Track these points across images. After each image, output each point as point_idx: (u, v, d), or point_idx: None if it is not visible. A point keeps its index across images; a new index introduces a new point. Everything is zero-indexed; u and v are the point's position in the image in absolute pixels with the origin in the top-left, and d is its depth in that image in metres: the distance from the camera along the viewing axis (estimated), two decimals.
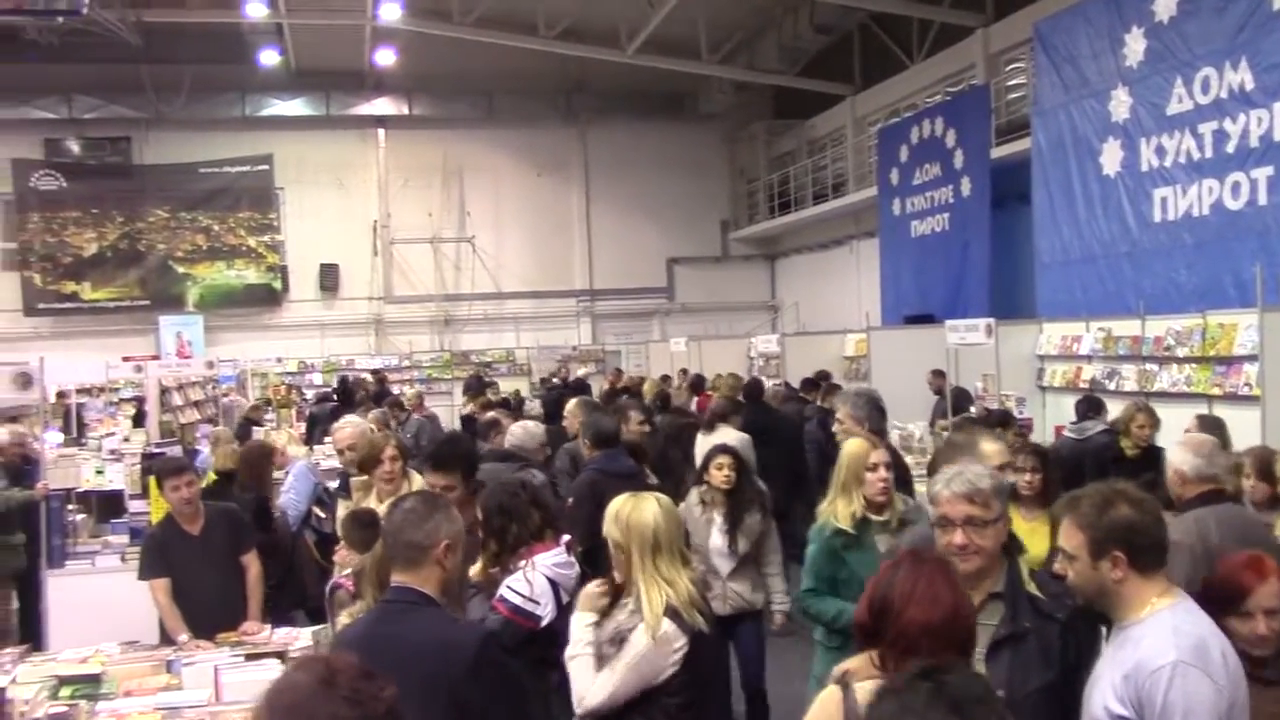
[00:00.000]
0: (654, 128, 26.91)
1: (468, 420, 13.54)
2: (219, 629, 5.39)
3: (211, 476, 8.10)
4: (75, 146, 25.05)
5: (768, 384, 13.78)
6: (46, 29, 21.00)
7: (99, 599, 7.03)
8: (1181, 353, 11.13)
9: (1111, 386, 11.83)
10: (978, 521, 3.27)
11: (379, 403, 13.71)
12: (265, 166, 25.58)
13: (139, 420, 15.14)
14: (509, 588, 4.12)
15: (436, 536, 3.32)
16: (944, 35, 19.23)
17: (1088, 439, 8.51)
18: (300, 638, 5.14)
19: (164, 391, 15.77)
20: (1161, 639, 2.84)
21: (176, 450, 10.94)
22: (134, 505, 8.32)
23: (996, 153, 16.67)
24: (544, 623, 4.09)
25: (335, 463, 8.55)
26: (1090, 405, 9.17)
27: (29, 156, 24.59)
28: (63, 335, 23.96)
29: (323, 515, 7.57)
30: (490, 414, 9.67)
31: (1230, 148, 11.54)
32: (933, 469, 4.71)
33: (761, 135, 27.09)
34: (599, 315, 27.80)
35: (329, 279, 26.01)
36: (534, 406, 15.36)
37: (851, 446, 5.14)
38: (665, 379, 16.32)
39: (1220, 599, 3.33)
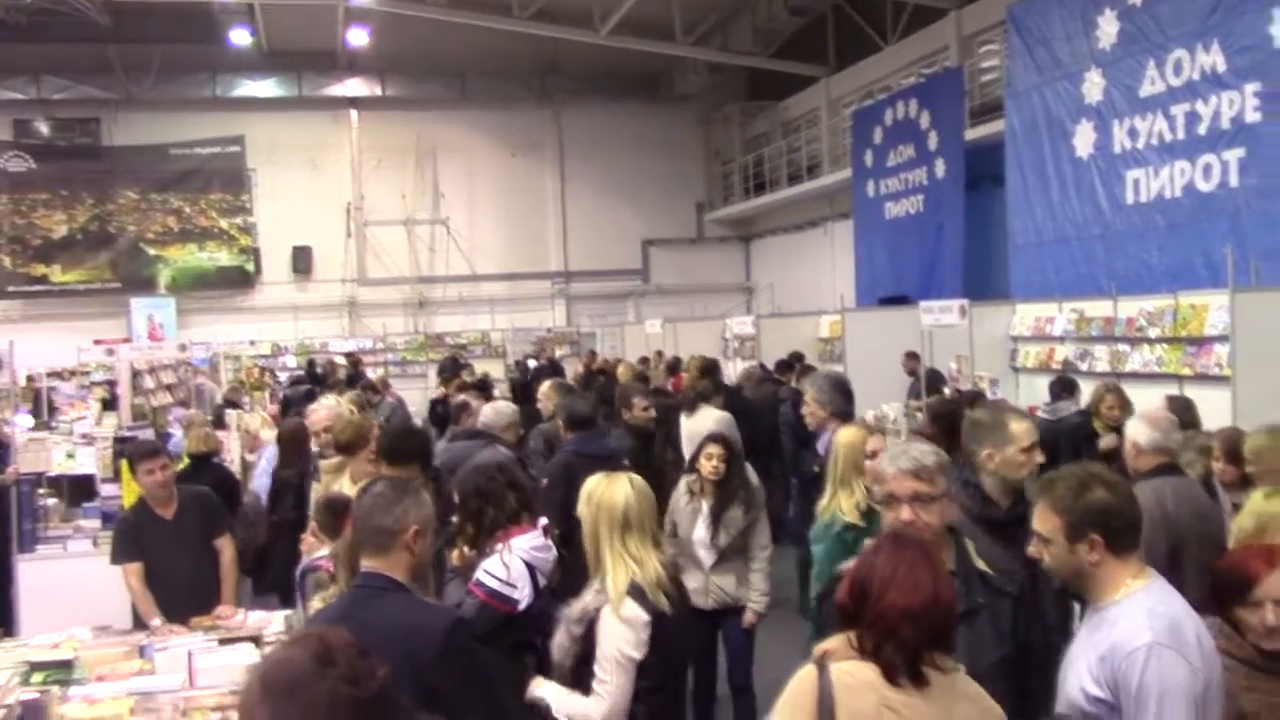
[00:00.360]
0: (628, 109, 26.84)
1: (436, 403, 13.51)
2: (192, 613, 5.34)
3: (185, 460, 8.05)
4: (44, 127, 24.75)
5: (741, 365, 13.79)
6: (14, 8, 20.79)
7: (71, 584, 6.97)
8: (1153, 333, 11.21)
9: (1084, 367, 11.91)
10: (924, 498, 3.32)
11: (353, 385, 13.65)
12: (237, 148, 25.34)
13: (109, 405, 15.01)
14: (485, 571, 4.11)
15: (405, 521, 3.31)
16: (918, 17, 19.24)
17: (1061, 420, 8.55)
18: (274, 622, 5.11)
19: (136, 374, 15.65)
20: (1137, 620, 2.85)
21: (149, 434, 10.88)
22: (106, 489, 8.25)
23: (970, 134, 16.73)
24: (521, 606, 4.09)
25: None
26: (1064, 386, 9.23)
27: None
28: (32, 318, 23.73)
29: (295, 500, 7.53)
30: (461, 397, 9.62)
31: (1202, 130, 11.61)
32: (959, 450, 4.69)
33: (736, 117, 27.05)
34: (574, 297, 27.75)
35: (302, 261, 25.84)
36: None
37: (846, 436, 5.07)
38: (644, 361, 16.34)
39: (1227, 589, 3.23)
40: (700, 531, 5.90)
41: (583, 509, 3.83)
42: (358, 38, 23.42)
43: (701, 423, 8.76)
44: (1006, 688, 3.14)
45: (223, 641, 4.65)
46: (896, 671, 2.55)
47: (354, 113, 26.07)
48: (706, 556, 5.88)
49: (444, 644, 3.13)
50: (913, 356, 12.73)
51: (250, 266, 25.75)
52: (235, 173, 25.47)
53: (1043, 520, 3.03)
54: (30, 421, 12.94)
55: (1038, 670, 3.34)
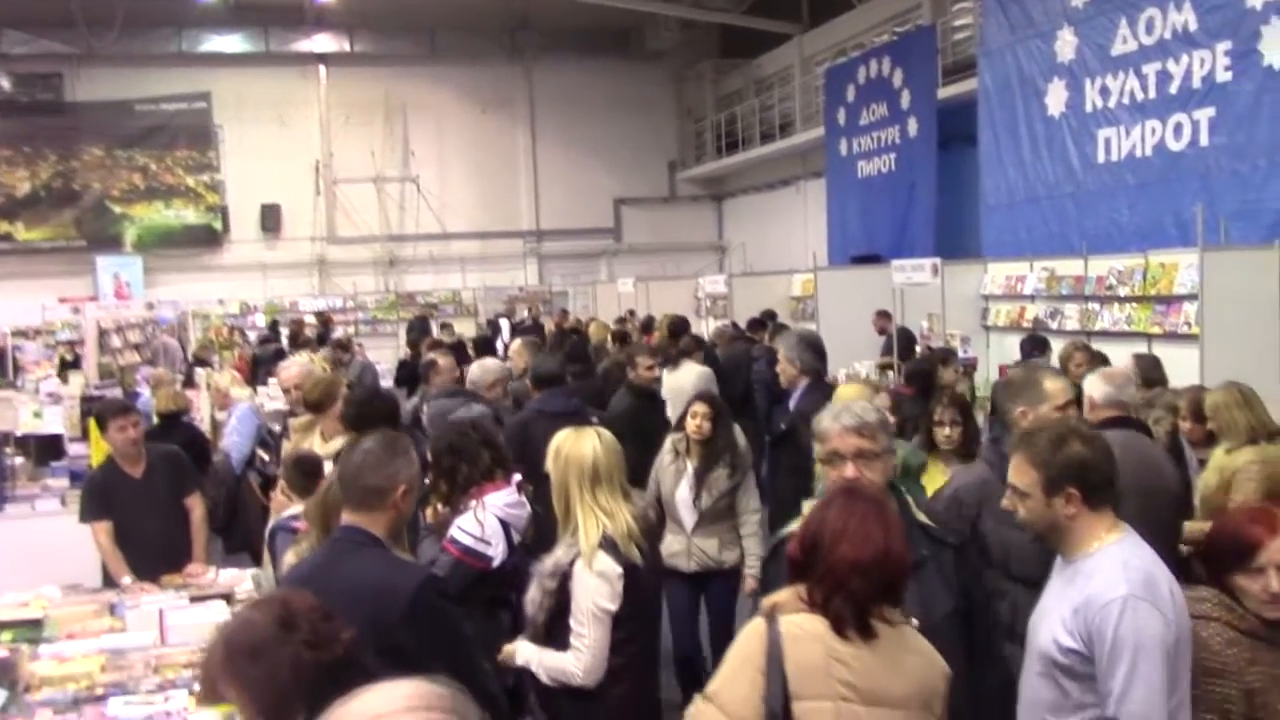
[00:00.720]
0: (600, 65, 26.60)
1: (404, 364, 13.43)
2: (163, 571, 5.30)
3: (155, 419, 7.99)
4: (5, 83, 24.27)
5: (714, 324, 13.82)
6: None
7: (39, 543, 6.89)
8: (1123, 292, 11.28)
9: (1054, 326, 11.98)
10: (867, 454, 3.32)
11: (323, 344, 13.58)
12: (203, 104, 24.99)
13: (73, 364, 14.85)
14: (459, 528, 4.10)
15: (396, 480, 3.29)
16: None
17: None
18: (245, 580, 5.09)
19: (103, 334, 15.51)
20: (1112, 573, 2.87)
21: (117, 393, 10.79)
22: (74, 449, 8.19)
23: (943, 93, 16.70)
24: (495, 563, 4.08)
25: (279, 405, 8.46)
26: (1035, 344, 9.29)
27: None
28: None
29: (266, 458, 7.50)
30: (430, 355, 9.58)
31: (1173, 89, 11.63)
32: (994, 407, 4.69)
33: (709, 74, 26.91)
34: (545, 256, 27.64)
35: (270, 219, 25.58)
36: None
37: (847, 392, 5.06)
38: (622, 320, 16.32)
39: (1227, 554, 3.08)
40: (683, 492, 5.78)
41: (551, 464, 3.83)
42: None
43: (684, 377, 8.82)
44: (960, 638, 3.18)
45: (194, 599, 4.63)
46: (845, 624, 2.56)
47: (322, 68, 25.73)
48: (688, 517, 5.77)
49: (410, 604, 3.10)
50: (884, 315, 12.78)
51: (218, 224, 25.46)
52: (202, 129, 25.14)
53: (1020, 474, 3.05)
54: None
55: (979, 622, 3.38)
